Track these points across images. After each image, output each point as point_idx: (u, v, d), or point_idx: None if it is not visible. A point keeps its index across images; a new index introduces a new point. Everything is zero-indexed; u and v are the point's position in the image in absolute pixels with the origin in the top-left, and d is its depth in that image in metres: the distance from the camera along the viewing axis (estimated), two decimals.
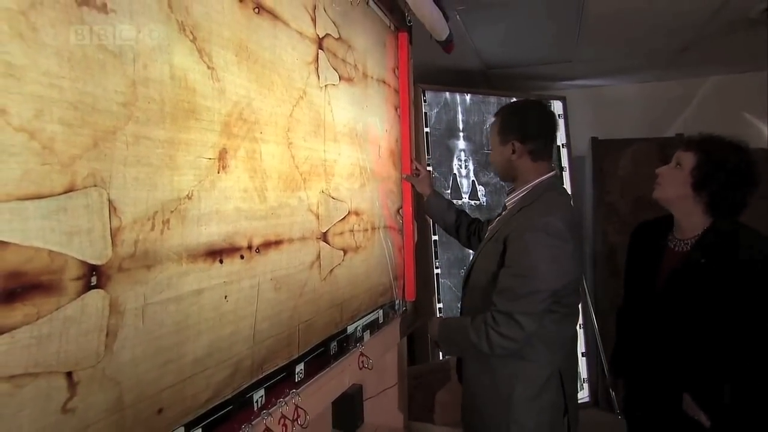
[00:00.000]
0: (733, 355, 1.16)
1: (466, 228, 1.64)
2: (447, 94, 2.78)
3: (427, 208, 1.72)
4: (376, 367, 1.57)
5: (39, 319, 0.51)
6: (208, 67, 0.77)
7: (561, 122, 3.08)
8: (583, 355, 2.98)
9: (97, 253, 0.57)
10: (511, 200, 1.31)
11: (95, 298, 0.57)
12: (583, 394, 2.97)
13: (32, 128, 0.50)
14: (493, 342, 1.14)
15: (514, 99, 1.37)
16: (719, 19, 2.08)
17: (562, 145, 3.07)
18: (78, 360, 0.55)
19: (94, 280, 0.57)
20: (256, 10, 0.89)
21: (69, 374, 0.54)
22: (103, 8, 0.58)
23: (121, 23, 0.61)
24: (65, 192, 0.54)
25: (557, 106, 3.09)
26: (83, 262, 0.56)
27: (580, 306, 1.35)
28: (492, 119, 1.35)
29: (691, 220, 1.27)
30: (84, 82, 0.56)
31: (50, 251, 0.52)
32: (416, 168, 1.73)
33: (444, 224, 1.71)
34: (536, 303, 1.12)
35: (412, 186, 1.70)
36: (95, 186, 0.57)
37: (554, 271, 1.13)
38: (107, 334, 0.59)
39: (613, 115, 3.35)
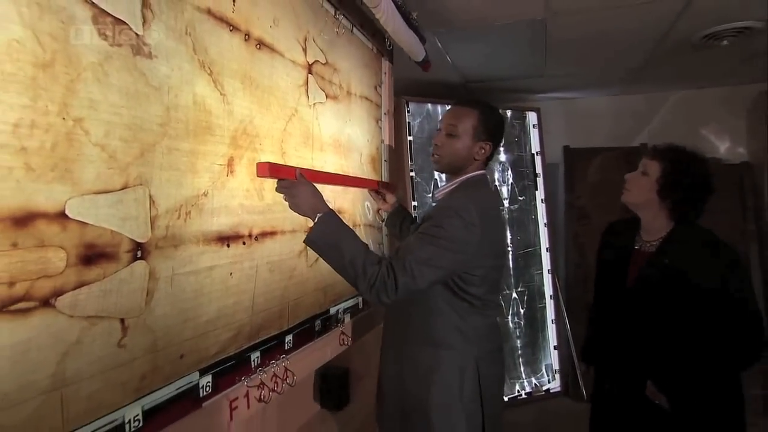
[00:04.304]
0: (691, 346, 1.28)
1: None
2: (429, 105, 3.02)
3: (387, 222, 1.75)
4: (363, 351, 1.75)
5: (105, 278, 0.72)
6: (221, 94, 0.98)
7: (535, 132, 3.33)
8: (555, 348, 3.22)
9: (141, 234, 0.79)
10: (440, 192, 1.37)
11: (140, 267, 0.79)
12: (555, 384, 3.21)
13: (103, 143, 0.71)
14: (376, 286, 1.12)
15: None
16: (666, 43, 2.33)
17: (536, 153, 3.32)
18: (127, 310, 0.77)
19: (139, 253, 0.78)
20: (258, 46, 1.11)
21: (122, 320, 0.75)
22: (149, 55, 0.80)
23: (160, 65, 0.82)
24: (122, 189, 0.75)
25: (532, 117, 3.35)
26: (132, 240, 0.77)
27: (501, 302, 1.38)
28: (460, 109, 1.32)
29: (656, 223, 1.38)
30: (135, 109, 0.77)
31: (112, 231, 0.73)
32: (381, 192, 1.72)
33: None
34: (430, 267, 1.12)
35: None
36: (141, 185, 0.78)
37: (456, 248, 1.14)
38: (147, 294, 0.80)
39: (584, 125, 3.61)
